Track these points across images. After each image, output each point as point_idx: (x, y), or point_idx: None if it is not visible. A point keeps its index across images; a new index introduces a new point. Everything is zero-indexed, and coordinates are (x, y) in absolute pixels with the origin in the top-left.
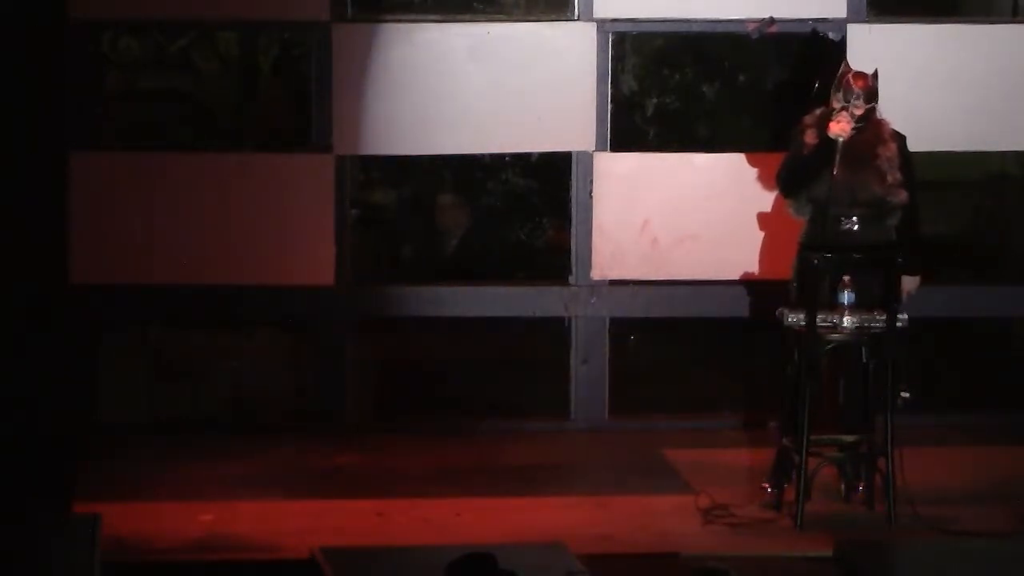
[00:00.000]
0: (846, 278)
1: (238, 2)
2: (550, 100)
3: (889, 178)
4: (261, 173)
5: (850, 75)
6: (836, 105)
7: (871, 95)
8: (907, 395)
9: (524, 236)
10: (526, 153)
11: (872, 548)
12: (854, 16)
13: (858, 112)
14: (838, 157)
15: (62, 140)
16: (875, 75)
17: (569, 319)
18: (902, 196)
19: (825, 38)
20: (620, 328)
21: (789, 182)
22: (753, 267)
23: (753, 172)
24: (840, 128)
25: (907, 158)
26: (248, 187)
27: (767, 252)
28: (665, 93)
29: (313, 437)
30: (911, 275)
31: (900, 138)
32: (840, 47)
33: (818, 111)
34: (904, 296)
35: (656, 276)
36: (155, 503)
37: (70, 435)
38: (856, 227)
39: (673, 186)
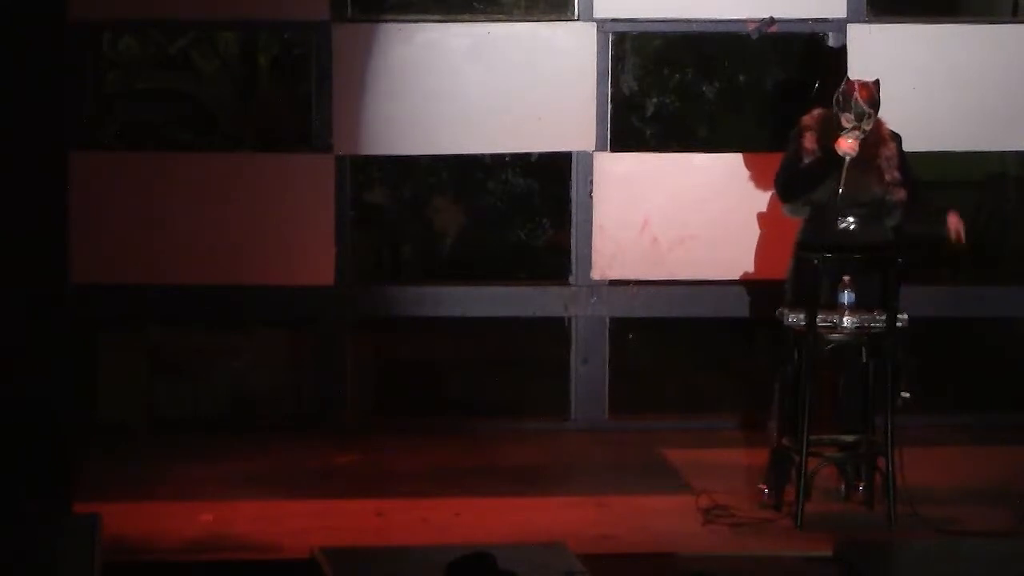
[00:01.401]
0: (846, 278)
1: (238, 2)
2: (550, 100)
3: (888, 177)
4: (261, 173)
5: (856, 93)
6: (846, 124)
7: (877, 106)
8: (907, 395)
9: (524, 236)
10: (526, 153)
11: (872, 548)
12: (854, 16)
13: (868, 128)
14: (844, 175)
15: (62, 140)
16: (878, 85)
17: (569, 319)
18: (900, 194)
19: (825, 38)
20: (620, 328)
21: (790, 190)
22: (753, 267)
23: (753, 172)
24: (850, 147)
25: (904, 156)
26: (248, 187)
27: (767, 252)
28: (665, 93)
29: (313, 437)
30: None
31: (897, 137)
32: (840, 49)
33: (816, 111)
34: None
35: (656, 276)
36: (155, 503)
37: (70, 435)
38: (854, 226)
39: (673, 186)
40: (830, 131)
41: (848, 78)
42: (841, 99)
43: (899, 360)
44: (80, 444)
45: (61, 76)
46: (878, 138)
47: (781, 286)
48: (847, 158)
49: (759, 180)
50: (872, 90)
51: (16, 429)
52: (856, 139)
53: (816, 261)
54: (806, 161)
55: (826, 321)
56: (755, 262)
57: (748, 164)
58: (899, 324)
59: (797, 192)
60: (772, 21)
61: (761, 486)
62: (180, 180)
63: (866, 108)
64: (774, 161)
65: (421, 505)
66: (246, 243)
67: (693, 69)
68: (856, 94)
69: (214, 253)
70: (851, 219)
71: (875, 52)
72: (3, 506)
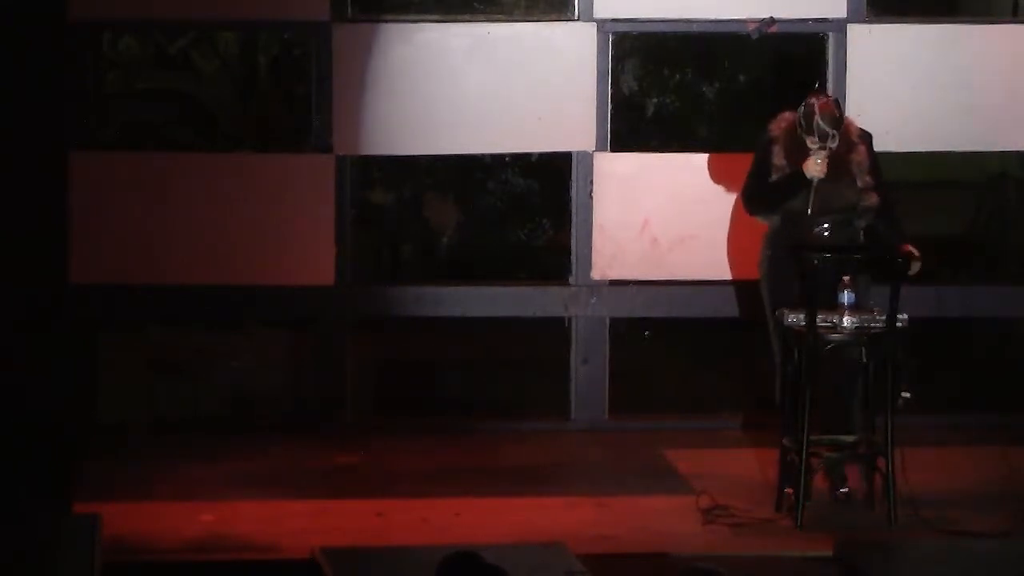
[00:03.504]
0: (846, 278)
1: (238, 2)
2: (550, 100)
3: (859, 182)
4: (261, 173)
5: (817, 116)
6: (812, 146)
7: (839, 124)
8: (907, 395)
9: (524, 236)
10: (526, 153)
11: (872, 548)
12: (854, 16)
13: (835, 145)
14: (813, 195)
15: (62, 140)
16: (837, 102)
17: (569, 319)
18: (873, 200)
19: (825, 38)
20: (620, 328)
21: (757, 205)
22: (753, 267)
23: None
24: (819, 171)
25: (874, 157)
26: (248, 187)
27: None
28: (665, 93)
29: (313, 437)
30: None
31: (867, 137)
32: (839, 49)
33: (785, 116)
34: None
35: (656, 276)
36: (155, 503)
37: (70, 435)
38: (827, 232)
39: (673, 186)
40: (797, 145)
41: (807, 101)
42: (803, 122)
43: (899, 360)
44: (80, 444)
45: (61, 76)
46: (848, 142)
47: None
48: (814, 180)
49: None
50: (832, 109)
51: (16, 429)
52: (824, 160)
53: (816, 261)
54: (774, 177)
55: (826, 321)
56: (755, 262)
57: (747, 164)
58: (899, 324)
59: (764, 208)
60: (772, 21)
61: (787, 490)
62: (180, 180)
63: (828, 129)
64: None
65: (421, 505)
66: (246, 243)
67: (693, 69)
68: (817, 117)
69: (214, 253)
70: (824, 224)
71: (875, 52)
72: (3, 506)
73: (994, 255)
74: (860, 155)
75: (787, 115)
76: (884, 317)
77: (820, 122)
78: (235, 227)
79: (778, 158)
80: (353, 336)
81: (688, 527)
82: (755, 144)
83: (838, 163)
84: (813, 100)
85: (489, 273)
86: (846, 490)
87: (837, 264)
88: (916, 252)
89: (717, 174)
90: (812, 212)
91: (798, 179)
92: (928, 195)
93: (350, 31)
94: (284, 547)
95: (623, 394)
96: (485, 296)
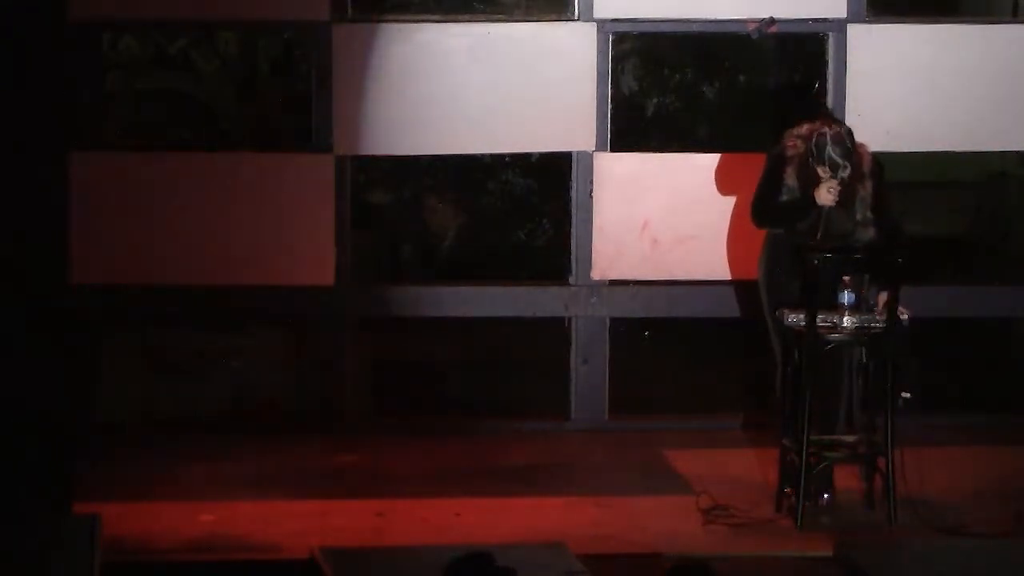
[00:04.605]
0: (846, 278)
1: (238, 2)
2: (550, 100)
3: (858, 216)
4: (261, 173)
5: (829, 148)
6: (823, 175)
7: (851, 155)
8: (908, 395)
9: (524, 236)
10: (526, 153)
11: (872, 548)
12: (854, 16)
13: (847, 175)
14: (823, 222)
15: (62, 140)
16: (850, 134)
17: (569, 319)
18: (868, 233)
19: (825, 38)
20: (620, 328)
21: (766, 221)
22: (752, 267)
23: (753, 172)
24: (829, 201)
25: (882, 192)
26: (248, 187)
27: None
28: (665, 93)
29: (313, 437)
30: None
31: (878, 171)
32: (839, 50)
33: (800, 141)
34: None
35: (656, 276)
36: (155, 503)
37: (70, 435)
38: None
39: (673, 186)
40: (810, 169)
41: (819, 131)
42: (815, 152)
43: (899, 360)
44: (80, 444)
45: (61, 76)
46: (859, 172)
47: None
48: (824, 207)
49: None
50: (844, 141)
51: (16, 429)
52: (836, 189)
53: (816, 261)
54: (785, 197)
55: (826, 321)
56: (755, 262)
57: (748, 164)
58: (899, 324)
59: (773, 225)
60: (772, 21)
61: (787, 490)
62: (180, 180)
63: (840, 160)
64: None
65: (421, 505)
66: (246, 243)
67: (693, 69)
68: (828, 149)
69: (214, 253)
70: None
71: (875, 52)
72: (3, 506)
73: (994, 255)
74: (865, 190)
75: (804, 130)
76: (884, 317)
77: (832, 155)
78: (235, 227)
79: (790, 178)
80: (353, 336)
81: (688, 527)
82: (767, 155)
83: (846, 190)
84: (825, 130)
85: (489, 273)
86: (828, 496)
87: (837, 264)
88: (905, 313)
89: (717, 174)
90: (820, 237)
91: (809, 203)
92: (928, 195)
93: (350, 31)
94: (284, 547)
95: (623, 394)
96: (485, 296)
